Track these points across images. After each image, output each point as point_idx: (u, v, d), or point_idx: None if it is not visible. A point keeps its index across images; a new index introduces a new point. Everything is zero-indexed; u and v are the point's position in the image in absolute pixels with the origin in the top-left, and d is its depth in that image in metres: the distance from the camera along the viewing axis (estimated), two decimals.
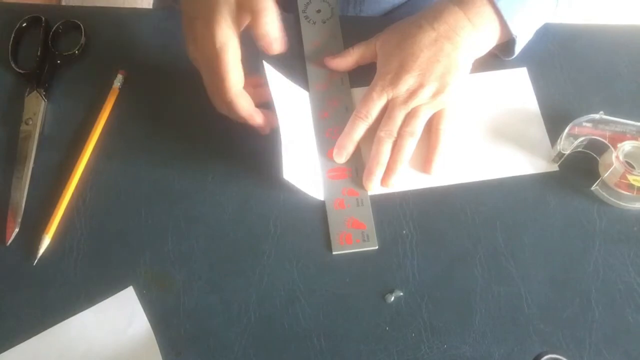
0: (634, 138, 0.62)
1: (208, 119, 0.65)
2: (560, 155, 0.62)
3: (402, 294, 0.58)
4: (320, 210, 0.61)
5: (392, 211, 0.61)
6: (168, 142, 0.64)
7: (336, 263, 0.59)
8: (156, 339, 0.56)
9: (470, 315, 0.57)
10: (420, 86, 0.61)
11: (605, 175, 0.60)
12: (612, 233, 0.60)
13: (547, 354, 0.54)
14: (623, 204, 0.61)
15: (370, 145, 0.62)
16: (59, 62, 0.69)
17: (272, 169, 0.61)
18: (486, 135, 0.65)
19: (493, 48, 0.65)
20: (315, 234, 0.60)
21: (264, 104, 0.62)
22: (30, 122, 0.65)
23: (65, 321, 0.56)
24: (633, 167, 0.61)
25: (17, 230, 0.60)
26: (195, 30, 0.57)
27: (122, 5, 1.55)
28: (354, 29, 0.69)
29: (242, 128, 0.64)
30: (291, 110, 0.63)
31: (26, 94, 0.66)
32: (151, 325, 0.56)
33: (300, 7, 0.71)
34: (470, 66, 0.64)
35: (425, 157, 0.62)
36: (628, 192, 0.60)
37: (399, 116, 0.61)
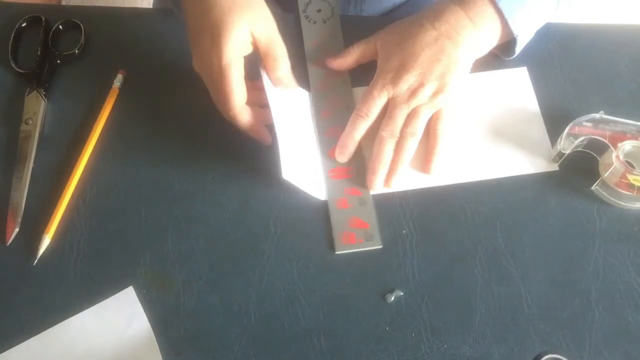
0: (634, 138, 0.62)
1: (208, 119, 0.65)
2: (560, 155, 0.62)
3: (402, 294, 0.58)
4: (320, 210, 0.61)
5: (392, 211, 0.61)
6: (168, 142, 0.64)
7: (336, 263, 0.59)
8: (156, 339, 0.56)
9: (470, 315, 0.57)
10: (420, 85, 0.61)
11: (606, 175, 0.60)
12: (612, 233, 0.60)
13: (547, 354, 0.54)
14: (623, 203, 0.61)
15: (370, 144, 0.62)
16: (59, 62, 0.69)
17: (272, 169, 0.61)
18: (486, 135, 0.65)
19: (494, 48, 0.65)
20: (316, 234, 0.60)
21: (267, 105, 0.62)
22: (30, 122, 0.65)
23: (65, 321, 0.56)
24: (633, 167, 0.61)
25: (17, 230, 0.60)
26: (203, 45, 0.57)
27: (122, 5, 1.55)
28: (354, 28, 0.69)
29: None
30: (289, 111, 0.63)
31: (26, 94, 0.66)
32: (151, 325, 0.56)
33: (301, 6, 0.71)
34: (470, 66, 0.64)
35: (424, 157, 0.62)
36: (628, 191, 0.60)
37: (401, 115, 0.61)
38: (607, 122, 0.62)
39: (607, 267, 0.59)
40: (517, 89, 0.67)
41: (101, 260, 0.59)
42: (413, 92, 0.61)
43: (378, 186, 0.61)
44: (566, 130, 0.62)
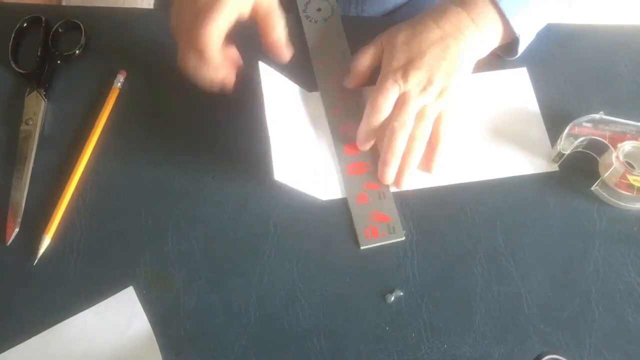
0: (634, 138, 0.62)
1: (208, 119, 0.65)
2: (560, 155, 0.62)
3: (402, 294, 0.58)
4: (320, 210, 0.61)
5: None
6: (168, 142, 0.64)
7: (336, 263, 0.59)
8: (156, 339, 0.56)
9: (470, 315, 0.57)
10: (429, 82, 0.60)
11: (605, 175, 0.60)
12: (612, 233, 0.60)
13: (547, 354, 0.54)
14: (623, 204, 0.61)
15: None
16: (59, 62, 0.69)
17: (272, 170, 0.61)
18: (486, 135, 0.65)
19: (495, 48, 0.65)
20: (315, 233, 0.60)
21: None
22: (30, 122, 0.65)
23: (65, 321, 0.56)
24: (633, 167, 0.61)
25: (17, 230, 0.60)
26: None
27: (122, 5, 1.55)
28: (355, 29, 0.69)
29: (242, 128, 0.64)
30: (287, 110, 0.63)
31: (26, 94, 0.66)
32: (151, 325, 0.56)
33: (300, 6, 0.71)
34: (472, 67, 0.64)
35: (426, 156, 0.62)
36: (628, 192, 0.60)
37: (412, 109, 0.60)
38: (607, 122, 0.62)
39: (607, 267, 0.59)
40: (517, 89, 0.67)
41: (101, 260, 0.59)
42: (423, 89, 0.60)
43: (390, 178, 0.61)
44: (566, 131, 0.62)
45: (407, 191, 0.62)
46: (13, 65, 0.68)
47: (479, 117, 0.66)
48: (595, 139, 0.62)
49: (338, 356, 0.55)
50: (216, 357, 0.55)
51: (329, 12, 0.70)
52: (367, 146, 0.62)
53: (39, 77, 0.67)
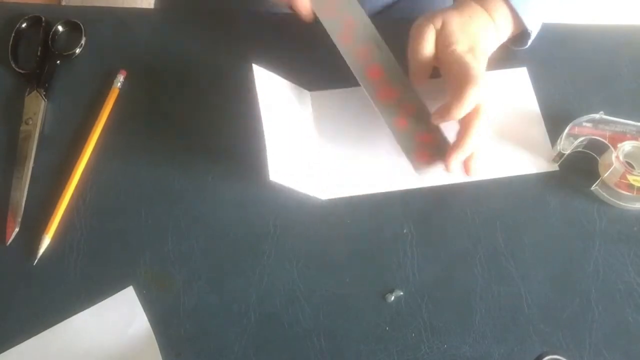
0: (634, 138, 0.62)
1: (208, 119, 0.65)
2: (560, 155, 0.62)
3: (402, 293, 0.58)
4: (320, 210, 0.61)
5: (392, 211, 0.61)
6: (168, 142, 0.64)
7: (336, 263, 0.59)
8: (156, 339, 0.56)
9: (470, 315, 0.57)
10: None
11: (605, 175, 0.60)
12: (612, 233, 0.60)
13: (547, 354, 0.54)
14: (623, 204, 0.61)
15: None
16: (59, 62, 0.69)
17: (268, 170, 0.61)
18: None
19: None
20: (316, 233, 0.60)
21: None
22: (30, 122, 0.65)
23: (65, 321, 0.56)
24: (633, 167, 0.61)
25: (17, 230, 0.60)
26: None
27: (122, 5, 1.55)
28: None
29: (242, 128, 0.64)
30: (282, 111, 0.63)
31: (26, 94, 0.66)
32: (151, 325, 0.56)
33: None
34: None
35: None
36: (628, 192, 0.60)
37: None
38: (607, 122, 0.62)
39: (607, 267, 0.59)
40: (517, 89, 0.67)
41: (101, 260, 0.59)
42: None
43: (459, 165, 0.59)
44: (566, 131, 0.62)
45: (407, 191, 0.62)
46: (13, 65, 0.68)
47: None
48: (595, 138, 0.62)
49: (338, 356, 0.55)
50: (216, 357, 0.55)
51: None
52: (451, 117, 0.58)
53: (39, 77, 0.67)
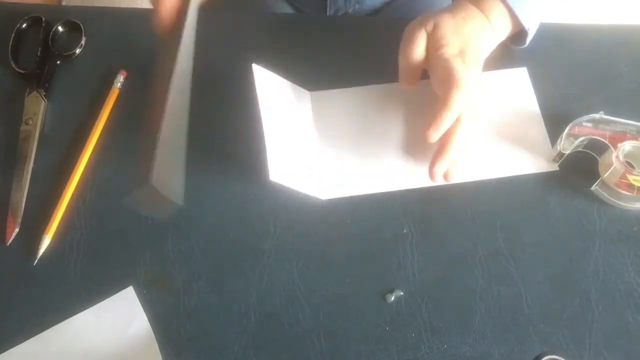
0: (634, 138, 0.62)
1: (208, 118, 0.65)
2: (560, 155, 0.62)
3: (402, 293, 0.58)
4: (320, 210, 0.61)
5: (392, 211, 0.61)
6: None
7: (336, 263, 0.59)
8: (156, 339, 0.56)
9: (470, 315, 0.57)
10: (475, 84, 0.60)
11: (605, 175, 0.60)
12: (612, 233, 0.60)
13: (547, 354, 0.54)
14: (623, 204, 0.61)
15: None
16: (59, 62, 0.69)
17: (268, 171, 0.60)
18: (486, 135, 0.65)
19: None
20: (316, 233, 0.60)
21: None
22: (30, 122, 0.65)
23: (65, 321, 0.56)
24: (633, 167, 0.61)
25: (17, 230, 0.60)
26: None
27: (122, 5, 1.55)
28: (344, 28, 0.69)
29: (242, 128, 0.64)
30: (282, 111, 0.62)
31: (26, 94, 0.66)
32: (151, 325, 0.56)
33: None
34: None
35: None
36: (628, 192, 0.60)
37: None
38: (607, 122, 0.62)
39: (607, 267, 0.59)
40: (517, 89, 0.67)
41: (101, 260, 0.59)
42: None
43: (441, 173, 0.60)
44: (566, 131, 0.62)
45: (407, 191, 0.62)
46: (13, 65, 0.68)
47: (481, 120, 0.65)
48: (595, 138, 0.62)
49: (338, 356, 0.55)
50: (216, 357, 0.55)
51: None
52: (437, 136, 0.59)
53: (39, 77, 0.67)
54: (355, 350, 0.56)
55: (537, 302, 0.57)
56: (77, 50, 0.68)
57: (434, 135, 0.58)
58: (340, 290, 0.58)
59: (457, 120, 0.58)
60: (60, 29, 0.70)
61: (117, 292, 0.57)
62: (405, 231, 0.60)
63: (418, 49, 0.61)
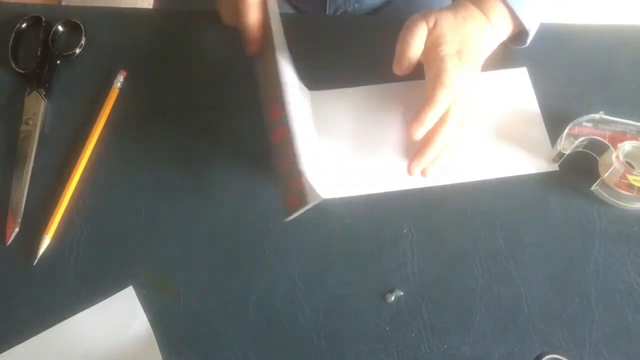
0: (634, 138, 0.62)
1: (208, 119, 0.65)
2: (560, 155, 0.62)
3: (402, 293, 0.58)
4: (320, 210, 0.61)
5: (392, 211, 0.61)
6: (168, 142, 0.64)
7: (336, 263, 0.59)
8: (156, 339, 0.56)
9: (470, 315, 0.57)
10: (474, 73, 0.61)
11: (605, 175, 0.60)
12: (612, 233, 0.60)
13: (547, 354, 0.54)
14: (623, 204, 0.61)
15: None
16: (59, 62, 0.69)
17: (272, 169, 0.61)
18: (486, 135, 0.65)
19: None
20: (316, 233, 0.60)
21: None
22: (30, 122, 0.65)
23: (65, 321, 0.56)
24: (633, 167, 0.61)
25: (17, 230, 0.60)
26: None
27: (122, 5, 1.55)
28: (342, 28, 0.69)
29: (242, 128, 0.64)
30: (302, 114, 0.61)
31: (26, 94, 0.66)
32: (151, 325, 0.56)
33: None
34: (482, 63, 0.64)
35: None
36: (628, 192, 0.60)
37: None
38: (607, 122, 0.62)
39: (607, 267, 0.59)
40: (517, 89, 0.67)
41: (101, 260, 0.59)
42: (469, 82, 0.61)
43: (419, 170, 0.61)
44: (566, 131, 0.62)
45: (407, 191, 0.62)
46: (13, 65, 0.68)
47: (480, 119, 0.65)
48: (595, 138, 0.62)
49: (338, 356, 0.55)
50: (216, 357, 0.55)
51: None
52: (422, 133, 0.59)
53: (39, 77, 0.67)
54: (355, 350, 0.56)
55: (537, 302, 0.57)
56: (77, 50, 0.68)
57: (418, 132, 0.58)
58: (340, 290, 0.58)
59: (442, 120, 0.59)
60: (60, 29, 0.70)
61: (117, 292, 0.57)
62: (405, 231, 0.60)
63: (418, 40, 0.61)
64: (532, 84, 0.67)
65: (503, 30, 0.64)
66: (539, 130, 0.65)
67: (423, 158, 0.59)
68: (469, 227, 0.60)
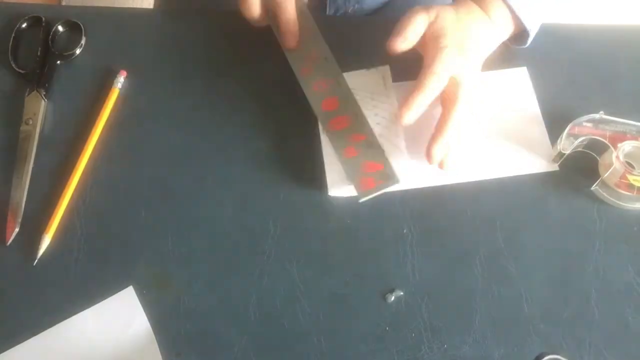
0: (634, 138, 0.62)
1: (208, 119, 0.65)
2: (560, 155, 0.62)
3: (402, 293, 0.58)
4: (320, 210, 0.61)
5: (392, 211, 0.61)
6: (168, 142, 0.64)
7: (336, 263, 0.59)
8: (156, 339, 0.56)
9: (470, 315, 0.57)
10: (470, 65, 0.61)
11: (606, 175, 0.60)
12: (612, 233, 0.60)
13: (547, 354, 0.54)
14: (623, 204, 0.61)
15: None
16: (59, 62, 0.69)
17: (272, 169, 0.61)
18: (486, 135, 0.65)
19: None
20: (316, 233, 0.60)
21: None
22: (30, 122, 0.65)
23: (65, 321, 0.56)
24: (633, 167, 0.61)
25: (17, 230, 0.60)
26: None
27: (122, 5, 1.55)
28: (340, 29, 0.69)
29: (241, 128, 0.64)
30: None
31: (26, 94, 0.66)
32: (151, 325, 0.56)
33: None
34: (482, 61, 0.64)
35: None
36: (628, 192, 0.60)
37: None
38: (607, 122, 0.62)
39: (607, 267, 0.59)
40: (517, 89, 0.67)
41: (101, 260, 0.59)
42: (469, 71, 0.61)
43: (412, 119, 0.59)
44: (566, 131, 0.62)
45: (407, 191, 0.62)
46: (13, 65, 0.68)
47: (479, 117, 0.65)
48: (595, 138, 0.62)
49: (338, 356, 0.55)
50: (216, 357, 0.55)
51: None
52: (414, 117, 0.59)
53: (39, 77, 0.67)
54: (355, 350, 0.56)
55: (537, 302, 0.57)
56: (77, 50, 0.68)
57: (406, 116, 0.58)
58: (340, 290, 0.58)
59: (453, 100, 0.59)
60: (60, 29, 0.70)
61: (117, 292, 0.57)
62: (405, 231, 0.60)
63: (418, 24, 0.61)
64: (532, 84, 0.67)
65: (504, 29, 0.64)
66: (539, 130, 0.65)
67: (442, 139, 0.58)
68: (469, 227, 0.60)
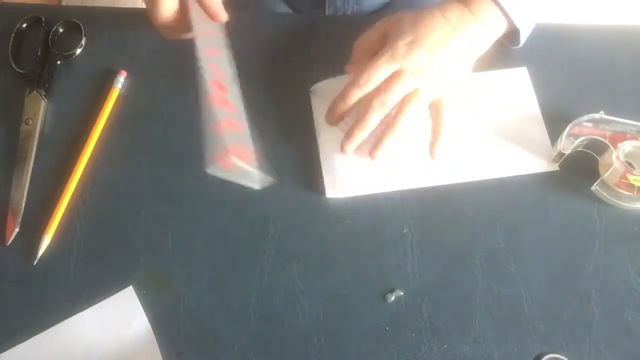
0: (634, 138, 0.62)
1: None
2: (560, 154, 0.62)
3: (402, 293, 0.58)
4: (320, 210, 0.61)
5: (392, 211, 0.61)
6: (168, 142, 0.64)
7: (336, 263, 0.59)
8: (156, 339, 0.56)
9: (470, 315, 0.57)
10: (427, 66, 0.60)
11: (606, 175, 0.60)
12: (612, 233, 0.60)
13: (547, 354, 0.54)
14: (623, 204, 0.61)
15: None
16: (59, 62, 0.69)
17: (272, 168, 0.60)
18: (486, 135, 0.65)
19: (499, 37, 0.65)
20: (316, 233, 0.60)
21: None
22: (30, 122, 0.65)
23: (65, 321, 0.56)
24: (633, 167, 0.61)
25: (17, 230, 0.60)
26: None
27: (122, 5, 1.55)
28: (339, 29, 0.69)
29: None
30: None
31: (26, 94, 0.66)
32: (151, 325, 0.56)
33: None
34: (472, 61, 0.63)
35: (430, 143, 0.62)
36: (628, 192, 0.60)
37: (401, 90, 0.59)
38: (607, 122, 0.62)
39: (607, 267, 0.59)
40: (517, 89, 0.67)
41: (101, 260, 0.59)
42: (421, 71, 0.59)
43: (351, 150, 0.61)
44: (566, 130, 0.62)
45: (407, 191, 0.62)
46: (13, 65, 0.68)
47: (479, 117, 0.66)
48: (595, 138, 0.62)
49: (338, 356, 0.55)
50: (216, 357, 0.55)
51: None
52: (337, 121, 0.62)
53: (39, 77, 0.67)
54: (355, 350, 0.56)
55: (537, 302, 0.57)
56: (77, 51, 0.68)
57: (338, 107, 0.61)
58: (340, 290, 0.58)
59: (439, 110, 0.61)
60: (60, 29, 0.70)
61: (117, 292, 0.57)
62: (405, 231, 0.60)
63: (373, 35, 0.64)
64: (532, 84, 0.67)
65: (494, 27, 0.63)
66: (539, 130, 0.65)
67: (439, 134, 0.60)
68: (469, 227, 0.60)
